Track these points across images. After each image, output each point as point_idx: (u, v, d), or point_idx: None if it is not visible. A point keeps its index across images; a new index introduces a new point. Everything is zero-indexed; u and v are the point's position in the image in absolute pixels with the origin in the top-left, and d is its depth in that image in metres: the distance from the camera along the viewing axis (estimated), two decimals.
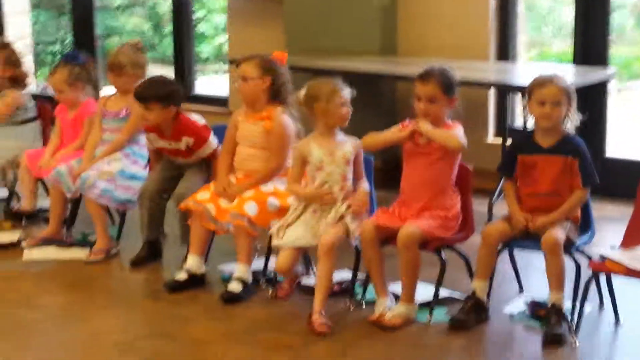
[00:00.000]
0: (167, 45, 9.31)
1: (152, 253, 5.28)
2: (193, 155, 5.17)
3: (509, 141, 5.68)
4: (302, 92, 4.57)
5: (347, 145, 4.56)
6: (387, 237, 4.43)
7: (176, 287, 4.83)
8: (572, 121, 4.38)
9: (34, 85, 7.69)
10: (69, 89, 5.62)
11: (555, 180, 4.35)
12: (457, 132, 4.41)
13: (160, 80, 5.25)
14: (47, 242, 5.52)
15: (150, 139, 5.26)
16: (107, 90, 5.90)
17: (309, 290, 4.73)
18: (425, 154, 4.46)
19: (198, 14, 10.15)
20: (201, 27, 10.20)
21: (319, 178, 4.54)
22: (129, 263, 5.25)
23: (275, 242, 4.55)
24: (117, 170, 5.34)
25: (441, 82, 4.41)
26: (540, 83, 4.36)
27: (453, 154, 4.43)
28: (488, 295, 4.43)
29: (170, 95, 5.10)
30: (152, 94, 5.07)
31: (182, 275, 4.86)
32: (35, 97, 6.36)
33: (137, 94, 5.11)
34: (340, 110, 4.50)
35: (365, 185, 4.60)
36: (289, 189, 4.64)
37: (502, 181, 4.75)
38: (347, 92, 4.53)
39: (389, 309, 4.39)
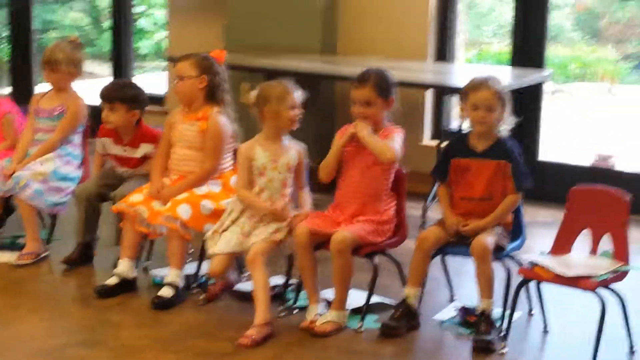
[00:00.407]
0: (106, 41, 9.20)
1: (84, 255, 5.21)
2: (145, 163, 5.10)
3: (444, 144, 5.68)
4: (254, 93, 4.52)
5: (292, 151, 4.53)
6: (320, 241, 4.41)
7: (106, 292, 4.77)
8: (506, 124, 4.39)
9: None
10: None
11: (489, 184, 4.37)
12: (394, 142, 4.39)
13: (126, 83, 5.35)
14: None
15: (103, 144, 5.19)
16: (41, 87, 5.81)
17: (241, 296, 4.72)
18: (363, 156, 4.45)
19: (138, 8, 10.06)
20: (141, 23, 10.10)
21: (259, 184, 4.50)
22: (61, 262, 5.17)
23: (210, 250, 4.51)
24: (50, 170, 5.26)
25: (376, 84, 4.41)
26: (475, 87, 4.37)
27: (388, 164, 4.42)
28: (419, 301, 4.44)
29: (135, 98, 5.07)
30: (118, 94, 5.04)
31: (112, 280, 4.80)
32: None
33: (102, 93, 5.07)
34: (290, 113, 4.46)
35: (308, 200, 4.57)
36: (240, 195, 4.53)
37: (436, 185, 4.75)
38: (298, 95, 4.49)
39: (320, 316, 4.38)
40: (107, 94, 5.07)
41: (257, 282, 4.36)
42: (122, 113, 5.03)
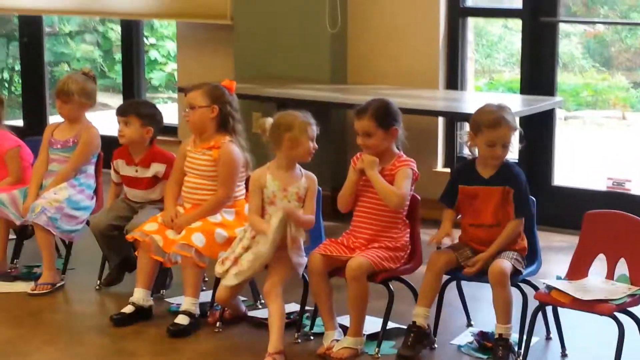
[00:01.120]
0: (118, 72, 9.25)
1: (123, 270, 5.24)
2: (157, 186, 5.12)
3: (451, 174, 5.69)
4: (270, 120, 4.53)
5: (302, 180, 4.52)
6: (335, 268, 4.41)
7: (122, 320, 4.77)
8: (512, 149, 4.38)
9: None
10: None
11: (496, 210, 4.35)
12: (402, 183, 4.38)
13: (143, 101, 5.59)
14: None
15: (116, 168, 5.21)
16: (54, 120, 5.83)
17: (257, 323, 4.71)
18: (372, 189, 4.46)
19: (149, 40, 10.13)
20: (153, 54, 10.17)
21: (270, 212, 4.49)
22: (101, 285, 5.25)
23: (219, 276, 4.52)
24: (64, 198, 5.27)
25: (374, 115, 4.40)
26: (492, 124, 4.31)
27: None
28: (436, 326, 4.42)
29: (151, 116, 5.13)
30: (133, 109, 5.12)
31: (128, 309, 4.80)
32: None
33: (119, 108, 5.15)
34: (309, 145, 4.46)
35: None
36: (251, 221, 4.52)
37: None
38: (315, 129, 4.50)
39: (337, 342, 4.37)
40: (123, 108, 5.16)
41: (273, 311, 4.35)
42: (136, 127, 5.06)
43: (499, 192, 4.33)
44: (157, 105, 5.51)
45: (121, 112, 5.15)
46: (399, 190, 4.37)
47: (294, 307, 4.72)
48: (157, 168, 5.11)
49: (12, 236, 5.59)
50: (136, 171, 5.15)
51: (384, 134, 4.43)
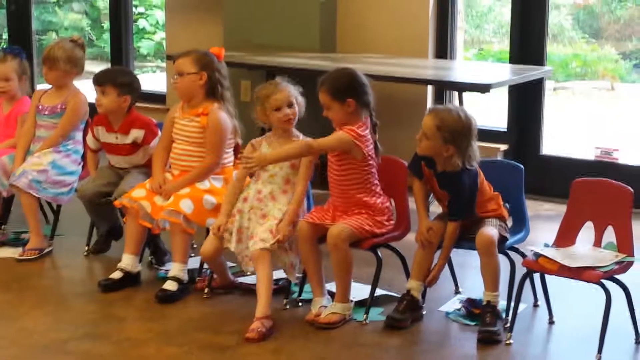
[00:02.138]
0: (106, 41, 9.20)
1: (109, 238, 5.27)
2: (139, 151, 5.10)
3: None
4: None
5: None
6: (323, 234, 4.41)
7: (110, 286, 4.77)
8: (455, 162, 4.24)
9: None
10: (17, 79, 5.54)
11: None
12: (321, 141, 4.39)
13: (120, 69, 5.51)
14: None
15: (96, 134, 5.18)
16: (43, 86, 5.81)
17: (245, 289, 4.72)
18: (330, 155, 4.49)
19: (138, 9, 10.08)
20: (141, 23, 10.12)
21: (263, 177, 4.52)
22: (88, 253, 5.25)
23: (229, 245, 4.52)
24: (48, 162, 5.26)
25: (328, 89, 4.38)
26: (429, 110, 4.34)
27: (348, 155, 4.38)
28: (423, 294, 4.44)
29: (128, 84, 5.08)
30: (110, 78, 5.07)
31: (116, 274, 4.80)
32: None
33: (95, 77, 5.09)
34: (275, 115, 4.48)
35: (295, 200, 4.49)
36: (228, 188, 4.61)
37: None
38: (283, 96, 4.48)
39: (325, 308, 4.38)
40: (100, 78, 5.09)
41: (261, 277, 4.36)
42: (113, 97, 5.03)
43: (445, 193, 4.37)
44: (146, 74, 5.48)
45: (98, 81, 5.07)
46: (313, 140, 4.41)
47: (282, 273, 4.73)
48: (136, 134, 5.08)
49: None
50: (116, 138, 5.12)
51: (340, 107, 4.39)
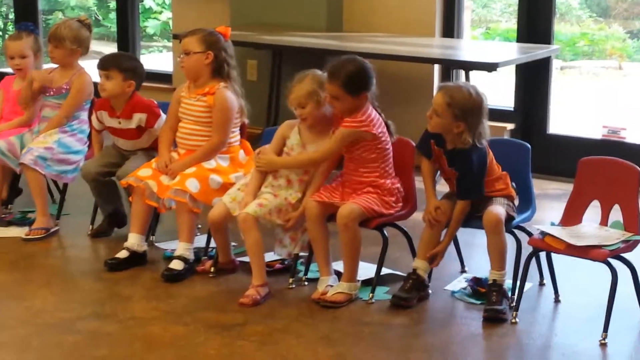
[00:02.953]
0: (112, 21, 9.19)
1: (112, 224, 5.25)
2: (144, 135, 5.09)
3: None
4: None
5: (326, 140, 4.47)
6: (332, 213, 4.41)
7: (116, 265, 4.77)
8: (466, 139, 4.23)
9: None
10: (32, 56, 5.54)
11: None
12: (324, 148, 4.41)
13: (125, 55, 5.49)
14: None
15: (100, 118, 5.17)
16: (48, 65, 5.80)
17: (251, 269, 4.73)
18: None
19: None
20: (147, 2, 10.09)
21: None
22: (89, 235, 5.25)
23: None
24: (54, 140, 5.26)
25: (344, 82, 4.34)
26: (439, 87, 4.35)
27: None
28: (429, 273, 4.44)
29: (132, 69, 5.06)
30: (115, 62, 5.05)
31: (122, 254, 4.81)
32: None
33: (100, 61, 5.07)
34: (296, 113, 4.50)
35: (316, 182, 4.51)
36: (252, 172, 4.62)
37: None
38: (295, 96, 4.44)
39: (331, 287, 4.38)
40: (104, 62, 5.07)
41: (249, 245, 4.42)
42: (117, 81, 5.01)
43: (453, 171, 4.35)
44: (152, 54, 5.47)
45: (102, 65, 5.05)
46: (315, 153, 4.43)
47: None
48: (139, 118, 5.05)
49: None
50: (119, 123, 5.11)
51: (352, 100, 4.38)
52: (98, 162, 5.15)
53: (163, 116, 5.09)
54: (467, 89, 4.27)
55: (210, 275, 4.70)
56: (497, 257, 4.24)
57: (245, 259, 4.67)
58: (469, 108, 4.22)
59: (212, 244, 4.82)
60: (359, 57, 4.48)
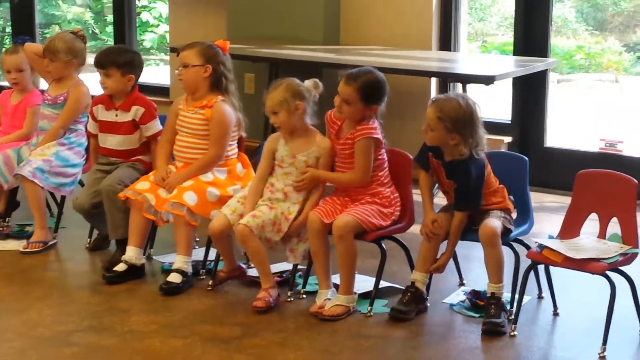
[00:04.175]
0: (109, 34, 9.19)
1: (108, 240, 5.19)
2: (135, 133, 5.07)
3: None
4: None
5: (313, 149, 4.52)
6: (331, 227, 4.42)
7: (114, 278, 4.77)
8: (463, 150, 4.24)
9: None
10: (29, 70, 5.55)
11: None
12: (359, 165, 4.40)
13: (120, 48, 5.40)
14: None
15: (95, 113, 5.14)
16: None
17: (250, 281, 4.72)
18: (344, 148, 4.49)
19: (141, 2, 10.06)
20: (144, 16, 10.11)
21: (278, 173, 4.55)
22: (87, 248, 5.27)
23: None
24: (52, 152, 5.26)
25: (361, 88, 4.37)
26: (431, 101, 4.33)
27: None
28: (428, 286, 4.44)
29: (130, 62, 5.06)
30: (111, 59, 5.03)
31: (120, 267, 4.80)
32: None
33: (96, 60, 5.05)
34: (273, 122, 4.54)
35: (313, 199, 4.53)
36: (250, 186, 4.60)
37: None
38: (271, 101, 4.48)
39: (329, 301, 4.38)
40: (101, 60, 5.05)
41: (251, 254, 4.48)
42: (117, 78, 5.01)
43: (451, 183, 4.36)
44: (149, 67, 5.47)
45: (100, 64, 5.04)
46: (354, 172, 4.42)
47: (286, 266, 4.73)
48: (137, 111, 5.03)
49: None
50: (116, 115, 5.09)
51: (362, 108, 4.40)
52: (88, 193, 5.05)
53: (158, 121, 5.08)
54: (457, 100, 4.27)
55: (209, 289, 4.69)
56: (494, 270, 4.24)
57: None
58: (460, 119, 4.22)
59: (210, 257, 4.82)
60: (380, 73, 4.50)
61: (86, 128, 5.37)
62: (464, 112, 4.23)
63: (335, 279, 4.49)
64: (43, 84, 5.70)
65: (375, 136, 4.41)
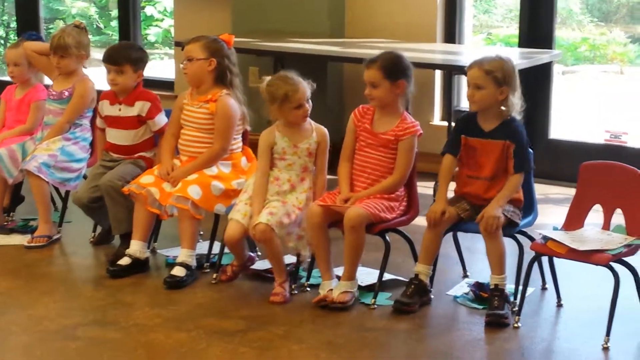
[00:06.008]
0: (114, 29, 9.19)
1: (111, 234, 5.21)
2: (141, 127, 5.08)
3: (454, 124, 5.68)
4: (263, 85, 4.56)
5: (313, 136, 4.54)
6: (333, 220, 4.42)
7: (119, 272, 4.77)
8: (511, 106, 4.31)
9: None
10: (26, 64, 5.55)
11: (495, 164, 4.33)
12: (401, 164, 4.44)
13: (130, 45, 5.52)
14: None
15: (100, 109, 5.15)
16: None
17: (254, 274, 4.73)
18: (371, 138, 4.50)
19: None
20: (149, 10, 10.10)
21: (279, 166, 4.55)
22: (92, 242, 5.28)
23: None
24: (57, 147, 5.26)
25: (383, 66, 4.42)
26: (470, 65, 4.37)
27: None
28: (432, 278, 4.44)
29: (141, 59, 5.09)
30: (125, 56, 5.04)
31: (124, 261, 4.80)
32: None
33: (109, 57, 5.05)
34: (295, 113, 4.51)
35: (320, 187, 4.58)
36: (254, 185, 4.58)
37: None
38: (302, 93, 4.49)
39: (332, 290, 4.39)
40: (114, 57, 5.05)
41: (273, 254, 4.47)
42: (129, 74, 5.03)
43: (500, 146, 4.32)
44: (154, 61, 5.48)
45: (114, 61, 5.03)
46: (396, 174, 4.44)
47: (290, 258, 4.73)
48: (142, 106, 5.04)
49: None
50: (119, 110, 5.09)
51: (390, 86, 4.43)
52: (88, 187, 5.06)
53: (164, 115, 5.09)
54: (497, 55, 4.37)
55: (213, 282, 4.70)
56: (496, 261, 4.24)
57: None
58: (506, 69, 4.30)
59: (214, 250, 4.83)
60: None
61: (92, 123, 5.39)
62: (506, 63, 4.33)
63: (337, 271, 4.50)
64: (46, 80, 5.71)
65: (419, 132, 4.48)
